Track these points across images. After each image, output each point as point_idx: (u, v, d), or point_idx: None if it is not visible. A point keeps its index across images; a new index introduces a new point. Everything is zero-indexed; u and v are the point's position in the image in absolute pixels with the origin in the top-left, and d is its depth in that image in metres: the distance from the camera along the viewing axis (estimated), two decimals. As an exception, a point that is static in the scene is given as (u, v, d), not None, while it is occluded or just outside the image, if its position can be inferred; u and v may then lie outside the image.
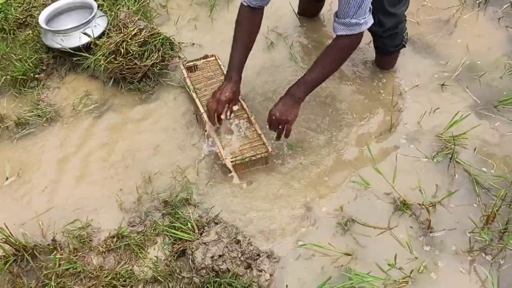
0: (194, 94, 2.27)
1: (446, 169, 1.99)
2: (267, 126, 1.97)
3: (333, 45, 1.85)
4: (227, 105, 1.98)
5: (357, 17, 1.75)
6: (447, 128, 2.08)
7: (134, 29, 2.39)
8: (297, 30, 2.69)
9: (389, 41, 2.24)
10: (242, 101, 2.19)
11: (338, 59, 1.88)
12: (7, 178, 2.12)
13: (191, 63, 2.43)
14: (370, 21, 1.80)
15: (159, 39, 2.45)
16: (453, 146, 2.01)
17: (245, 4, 1.94)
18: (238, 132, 2.10)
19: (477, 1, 2.71)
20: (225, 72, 2.10)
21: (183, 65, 2.41)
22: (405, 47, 2.33)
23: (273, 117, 1.90)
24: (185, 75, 2.36)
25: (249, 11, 1.96)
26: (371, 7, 1.79)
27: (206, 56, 2.46)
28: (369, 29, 2.04)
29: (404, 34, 2.28)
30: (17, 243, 1.80)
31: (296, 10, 2.75)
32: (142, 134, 2.25)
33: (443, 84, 2.31)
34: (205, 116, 2.12)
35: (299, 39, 2.63)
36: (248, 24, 1.98)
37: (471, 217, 1.82)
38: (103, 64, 2.33)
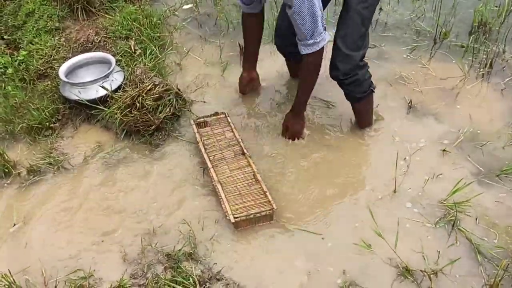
0: (202, 149, 2.33)
1: (448, 236, 2.00)
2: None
3: (303, 64, 2.23)
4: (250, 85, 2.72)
5: (314, 38, 2.08)
6: (450, 195, 2.11)
7: (149, 84, 2.50)
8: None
9: (353, 87, 2.31)
10: (249, 158, 2.25)
11: (313, 73, 2.24)
12: (14, 225, 2.15)
13: (202, 119, 2.51)
14: (327, 36, 2.13)
15: (172, 94, 2.55)
16: (456, 213, 2.03)
17: (242, 11, 2.47)
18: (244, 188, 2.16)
19: (481, 72, 2.81)
20: (234, 130, 2.46)
21: (193, 121, 2.49)
22: (373, 92, 2.39)
23: (286, 128, 2.46)
24: (195, 130, 2.43)
25: (245, 17, 2.48)
26: (326, 25, 2.11)
27: (216, 114, 2.55)
28: (331, 75, 2.29)
29: (370, 80, 2.35)
30: (19, 291, 1.81)
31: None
32: (149, 186, 2.29)
33: (444, 150, 2.37)
34: (212, 171, 2.20)
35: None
36: (247, 27, 2.52)
37: (474, 286, 1.82)
38: (118, 117, 2.42)
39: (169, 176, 2.33)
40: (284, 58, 2.79)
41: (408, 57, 2.98)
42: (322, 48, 2.15)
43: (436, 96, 2.72)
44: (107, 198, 2.25)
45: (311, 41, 2.10)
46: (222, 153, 2.34)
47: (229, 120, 2.51)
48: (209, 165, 2.25)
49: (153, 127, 2.47)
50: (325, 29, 2.12)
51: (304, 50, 2.15)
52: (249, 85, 2.72)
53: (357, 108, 2.46)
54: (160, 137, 2.51)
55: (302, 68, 2.27)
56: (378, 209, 2.12)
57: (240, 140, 2.39)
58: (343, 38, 2.19)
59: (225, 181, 2.19)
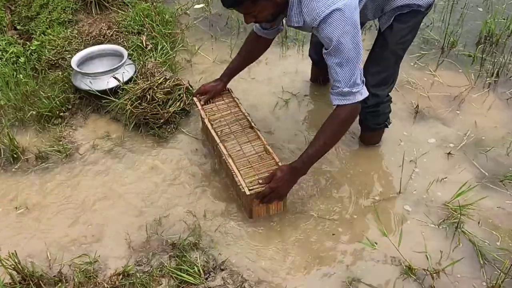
0: (209, 124, 2.28)
1: (452, 237, 2.02)
2: (257, 188, 1.97)
3: (332, 116, 1.93)
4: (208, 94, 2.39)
5: (350, 87, 1.84)
6: (454, 198, 2.13)
7: (160, 78, 2.53)
8: (307, 92, 2.84)
9: (371, 117, 2.30)
10: (258, 131, 2.22)
11: (338, 131, 1.95)
12: (17, 209, 2.17)
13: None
14: (365, 92, 1.90)
15: (182, 89, 2.58)
16: (459, 215, 2.05)
17: (254, 30, 2.26)
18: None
19: (487, 82, 2.84)
20: (239, 105, 2.38)
21: (196, 98, 2.43)
22: (387, 127, 2.40)
23: (271, 191, 1.94)
24: (199, 107, 2.38)
25: (255, 37, 2.27)
26: (364, 79, 1.89)
27: None
28: None
29: (388, 115, 2.35)
30: (24, 271, 1.82)
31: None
32: (156, 176, 2.32)
33: (449, 153, 2.39)
34: (221, 146, 2.16)
35: (308, 100, 2.78)
36: (251, 46, 2.33)
37: (475, 287, 1.83)
38: (129, 108, 2.44)
39: (176, 168, 2.35)
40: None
41: (416, 64, 3.02)
42: (358, 104, 1.90)
43: (443, 102, 2.75)
44: (113, 186, 2.27)
45: (346, 89, 1.84)
46: (230, 128, 2.27)
47: (233, 96, 2.45)
48: (217, 140, 2.19)
49: (162, 120, 2.50)
50: (363, 82, 1.88)
51: (335, 100, 1.89)
52: (209, 93, 2.40)
53: (366, 135, 2.44)
54: (168, 130, 2.54)
55: (329, 119, 1.93)
56: (383, 209, 2.14)
57: (246, 114, 2.33)
58: (373, 76, 2.11)
59: (235, 155, 2.12)
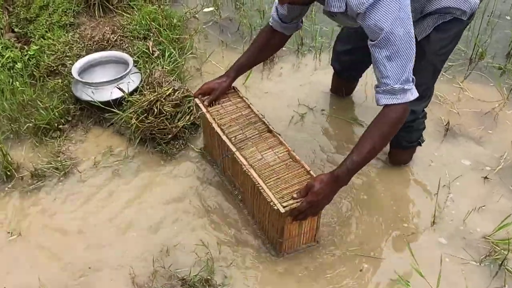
0: (218, 130, 1.93)
1: (495, 276, 1.80)
2: (293, 202, 1.68)
3: (380, 117, 1.66)
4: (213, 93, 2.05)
5: (402, 83, 1.59)
6: (496, 230, 1.91)
7: (168, 89, 2.32)
8: (325, 106, 2.62)
9: (404, 133, 2.05)
10: (278, 136, 1.93)
11: (388, 134, 1.67)
12: (10, 234, 1.95)
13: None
14: (415, 92, 1.65)
15: (192, 101, 2.37)
16: (504, 251, 1.84)
17: (270, 23, 1.99)
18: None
19: (521, 97, 2.64)
20: (251, 105, 2.07)
21: (199, 98, 2.06)
22: (420, 145, 2.20)
23: (308, 206, 1.66)
24: (204, 110, 2.02)
25: (270, 31, 2.01)
26: (414, 77, 1.64)
27: None
28: None
29: (422, 132, 2.16)
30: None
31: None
32: (163, 199, 2.10)
33: (485, 177, 2.18)
34: (238, 155, 1.84)
35: (327, 115, 2.56)
36: (265, 40, 2.03)
37: (525, 336, 1.62)
38: (134, 122, 2.23)
39: (185, 190, 2.14)
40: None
41: (443, 76, 2.80)
42: (408, 105, 1.65)
43: (474, 118, 2.54)
44: (116, 210, 2.06)
45: (397, 86, 1.59)
46: (244, 133, 1.92)
47: (241, 95, 2.11)
48: (233, 148, 1.85)
49: (170, 136, 2.28)
50: (413, 81, 1.65)
51: (383, 99, 1.63)
52: (213, 93, 2.05)
53: (396, 154, 2.22)
54: (176, 147, 2.32)
55: (374, 123, 1.67)
56: (416, 242, 1.94)
57: (261, 115, 2.01)
58: None
59: (258, 165, 1.80)
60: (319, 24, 3.09)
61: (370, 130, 1.67)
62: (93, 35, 2.87)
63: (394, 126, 1.67)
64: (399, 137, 2.08)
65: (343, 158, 1.68)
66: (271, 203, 1.66)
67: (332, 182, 1.67)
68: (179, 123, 2.30)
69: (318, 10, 3.15)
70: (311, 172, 1.79)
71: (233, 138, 1.91)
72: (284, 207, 1.64)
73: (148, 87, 2.39)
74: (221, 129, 1.94)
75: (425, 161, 2.28)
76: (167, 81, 2.41)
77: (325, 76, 2.75)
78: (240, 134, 1.93)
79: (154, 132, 2.27)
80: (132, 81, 2.44)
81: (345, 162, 1.66)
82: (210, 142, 2.15)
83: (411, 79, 1.63)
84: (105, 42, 2.83)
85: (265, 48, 2.07)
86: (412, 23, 1.58)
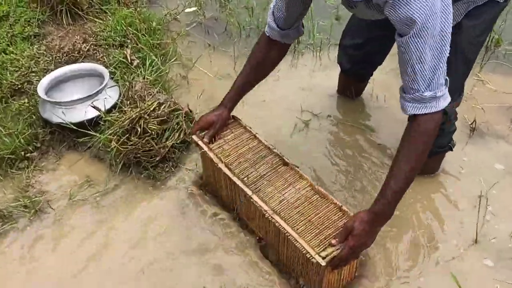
0: (227, 171, 1.67)
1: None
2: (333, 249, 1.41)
3: (412, 132, 1.40)
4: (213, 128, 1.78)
5: (433, 90, 1.33)
6: (550, 249, 1.63)
7: (152, 102, 1.99)
8: (331, 111, 2.32)
9: None
10: (296, 169, 1.68)
11: (425, 150, 1.40)
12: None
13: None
14: (449, 97, 1.39)
15: (181, 115, 2.05)
16: None
17: (266, 33, 1.71)
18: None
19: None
20: (257, 135, 1.81)
21: (197, 135, 1.79)
22: (452, 150, 1.93)
23: (351, 251, 1.40)
24: (205, 149, 1.75)
25: (267, 42, 1.72)
26: (447, 78, 1.37)
27: None
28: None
29: (452, 135, 1.89)
30: None
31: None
32: (155, 238, 1.77)
33: (525, 186, 1.90)
34: (255, 198, 1.57)
35: (334, 121, 2.26)
36: (262, 55, 1.75)
37: None
38: (114, 145, 1.89)
39: (180, 224, 1.81)
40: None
41: (458, 68, 2.51)
42: (441, 113, 1.39)
43: (500, 114, 2.27)
44: (99, 254, 1.72)
45: (427, 94, 1.34)
46: (256, 170, 1.68)
47: (244, 124, 1.86)
48: (248, 191, 1.60)
49: (157, 158, 1.95)
50: (446, 82, 1.38)
51: (411, 109, 1.38)
52: (213, 126, 1.78)
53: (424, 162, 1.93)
54: (166, 169, 2.00)
55: (406, 140, 1.42)
56: (458, 266, 1.64)
57: (270, 146, 1.76)
58: None
59: (280, 209, 1.55)
60: (315, 19, 2.78)
61: (403, 149, 1.40)
62: (62, 46, 2.53)
63: (428, 139, 1.41)
64: None
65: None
66: (308, 255, 1.41)
67: (373, 220, 1.41)
68: (167, 142, 1.98)
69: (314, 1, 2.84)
70: (343, 207, 1.53)
71: (245, 179, 1.65)
72: (323, 258, 1.39)
73: (128, 102, 2.07)
74: (229, 169, 1.68)
75: (455, 169, 1.98)
76: (151, 94, 2.08)
77: (328, 76, 2.47)
78: (252, 172, 1.68)
79: (138, 155, 1.94)
80: (109, 97, 2.10)
81: (383, 194, 1.40)
82: (215, 183, 1.86)
83: (443, 81, 1.36)
84: (76, 53, 2.50)
85: (264, 64, 1.77)
86: (452, 16, 1.28)
